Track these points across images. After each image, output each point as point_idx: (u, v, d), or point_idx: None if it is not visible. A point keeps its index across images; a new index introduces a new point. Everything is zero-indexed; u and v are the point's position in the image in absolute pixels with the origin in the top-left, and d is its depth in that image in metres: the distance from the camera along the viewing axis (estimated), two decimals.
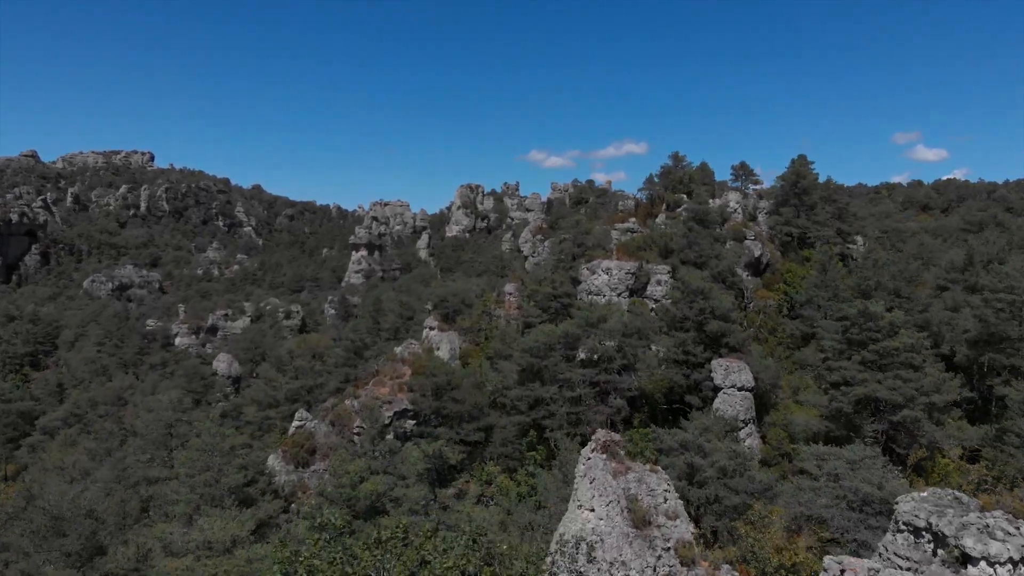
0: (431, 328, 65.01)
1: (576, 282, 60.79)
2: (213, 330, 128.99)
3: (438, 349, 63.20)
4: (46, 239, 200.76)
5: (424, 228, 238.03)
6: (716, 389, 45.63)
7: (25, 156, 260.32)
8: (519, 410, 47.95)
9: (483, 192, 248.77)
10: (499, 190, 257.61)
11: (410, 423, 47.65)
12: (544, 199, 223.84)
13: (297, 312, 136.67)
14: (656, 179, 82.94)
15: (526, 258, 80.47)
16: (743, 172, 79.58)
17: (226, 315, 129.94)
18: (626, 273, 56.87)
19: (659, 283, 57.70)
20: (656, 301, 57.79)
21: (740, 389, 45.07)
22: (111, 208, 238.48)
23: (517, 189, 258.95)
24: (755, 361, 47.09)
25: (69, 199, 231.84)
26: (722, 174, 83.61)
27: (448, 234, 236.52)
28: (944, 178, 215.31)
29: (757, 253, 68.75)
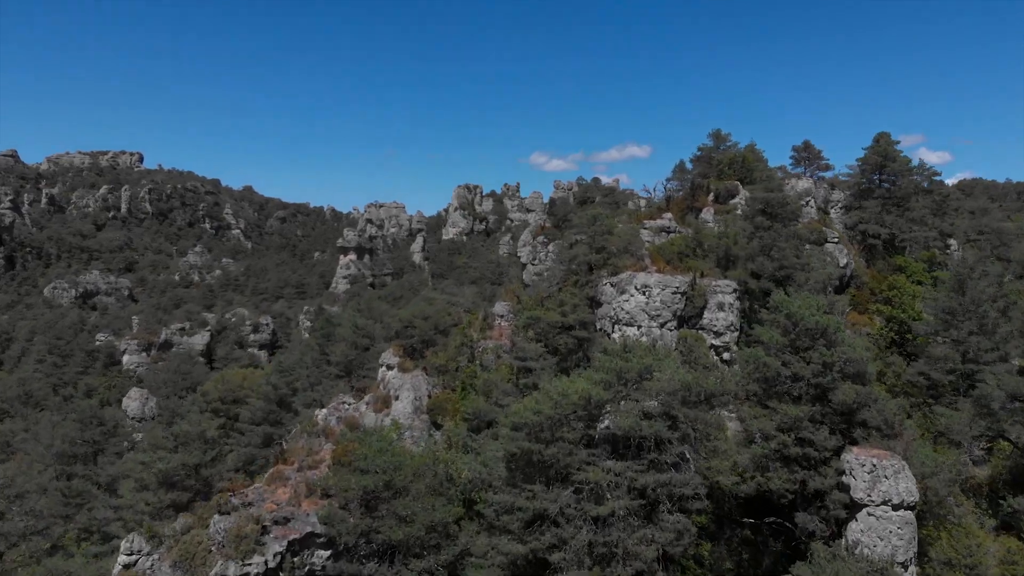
0: (388, 367, 44.55)
1: (595, 304, 40.24)
2: (167, 346, 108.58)
3: (397, 399, 42.77)
4: (12, 242, 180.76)
5: (420, 230, 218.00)
6: (853, 505, 25.12)
7: (4, 156, 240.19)
8: (508, 530, 27.42)
9: (481, 193, 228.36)
10: (499, 191, 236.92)
11: (322, 555, 27.07)
12: (546, 199, 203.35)
13: (266, 325, 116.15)
14: (690, 165, 62.46)
15: (524, 266, 59.92)
16: (808, 155, 58.92)
17: (182, 329, 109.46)
18: (672, 293, 36.21)
19: (722, 308, 37.03)
20: (717, 334, 37.12)
21: (897, 507, 24.53)
22: (90, 210, 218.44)
23: (518, 190, 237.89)
24: (915, 452, 26.44)
25: (44, 200, 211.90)
26: (773, 160, 62.98)
27: (444, 237, 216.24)
28: (969, 178, 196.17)
29: (843, 262, 48.28)
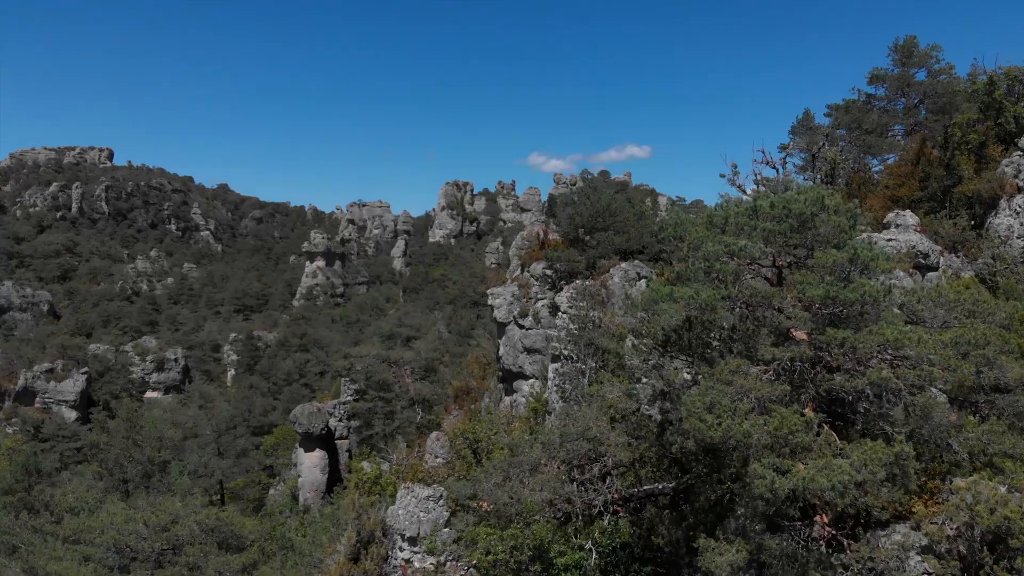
0: None
1: None
2: (28, 395, 74.55)
3: None
4: None
5: (406, 232, 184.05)
6: None
7: None
8: None
9: (472, 191, 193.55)
10: (492, 189, 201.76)
11: None
12: (544, 198, 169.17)
13: (175, 361, 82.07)
14: (824, 118, 28.80)
15: (502, 327, 25.69)
16: None
17: (51, 370, 75.35)
18: None
19: None
20: None
21: None
22: (36, 209, 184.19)
23: (513, 188, 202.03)
24: None
25: None
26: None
27: (431, 239, 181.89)
28: None
29: None
